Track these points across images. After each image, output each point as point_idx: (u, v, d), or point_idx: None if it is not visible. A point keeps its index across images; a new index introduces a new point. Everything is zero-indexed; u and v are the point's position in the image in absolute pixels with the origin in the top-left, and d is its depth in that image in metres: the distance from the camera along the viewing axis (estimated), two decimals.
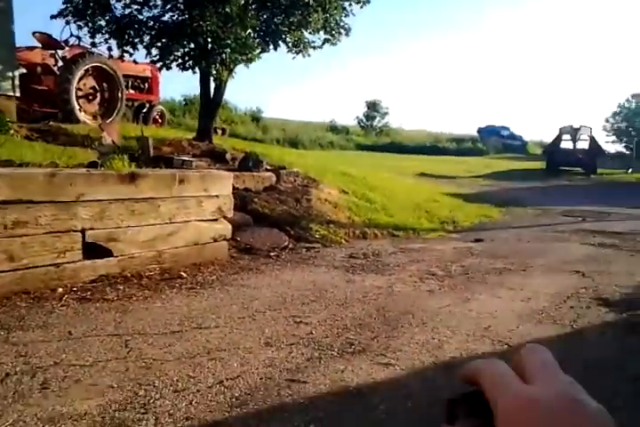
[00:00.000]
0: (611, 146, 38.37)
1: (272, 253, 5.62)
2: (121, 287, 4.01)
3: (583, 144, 23.21)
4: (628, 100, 39.79)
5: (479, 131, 38.26)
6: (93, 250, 4.10)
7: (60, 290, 3.79)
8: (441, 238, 7.58)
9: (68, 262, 3.95)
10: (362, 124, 39.62)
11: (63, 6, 9.25)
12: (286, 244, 6.08)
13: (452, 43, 77.93)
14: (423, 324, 3.57)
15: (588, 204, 12.54)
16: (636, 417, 2.41)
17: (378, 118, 39.65)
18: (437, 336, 3.32)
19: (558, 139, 23.43)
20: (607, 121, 40.90)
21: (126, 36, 9.35)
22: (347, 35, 10.30)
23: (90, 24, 9.39)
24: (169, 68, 9.42)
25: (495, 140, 36.21)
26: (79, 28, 9.86)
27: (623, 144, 38.84)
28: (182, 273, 4.49)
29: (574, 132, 23.20)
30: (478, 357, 3.01)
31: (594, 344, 3.35)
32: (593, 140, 23.39)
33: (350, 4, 10.05)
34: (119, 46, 9.67)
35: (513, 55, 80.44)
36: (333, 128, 36.36)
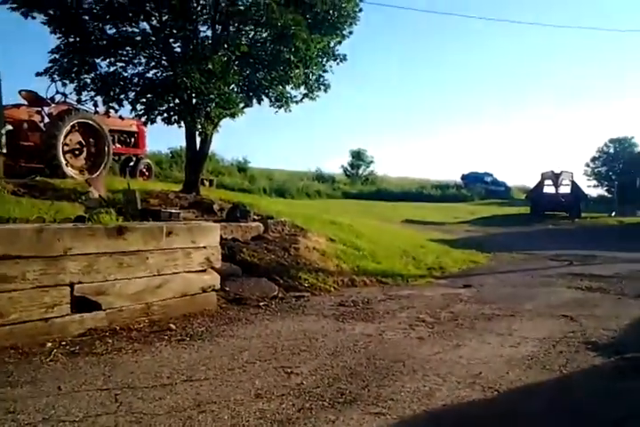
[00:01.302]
0: (592, 190, 39.22)
1: (261, 303, 5.62)
2: (110, 341, 3.98)
3: (565, 189, 23.69)
4: (606, 145, 41.00)
5: (463, 177, 38.96)
6: (82, 304, 4.09)
7: (49, 344, 3.76)
8: (429, 285, 7.62)
9: (56, 317, 3.93)
10: (347, 172, 40.23)
11: (49, 64, 9.49)
12: (275, 293, 6.08)
13: (434, 90, 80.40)
14: (414, 371, 3.56)
15: (574, 247, 12.70)
16: None
17: (363, 167, 40.33)
18: (428, 384, 3.32)
19: (541, 184, 23.92)
20: (587, 165, 41.97)
21: (112, 93, 9.59)
22: (325, 91, 10.66)
23: (75, 81, 9.63)
24: (153, 122, 9.63)
25: (479, 186, 36.83)
26: (64, 85, 10.11)
27: (605, 188, 39.70)
28: (171, 325, 4.47)
29: (556, 177, 23.71)
30: (469, 404, 3.01)
31: (582, 389, 3.36)
32: (575, 185, 23.91)
33: (328, 61, 10.44)
34: (105, 103, 9.90)
35: (494, 102, 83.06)
36: (320, 177, 36.85)
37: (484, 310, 5.71)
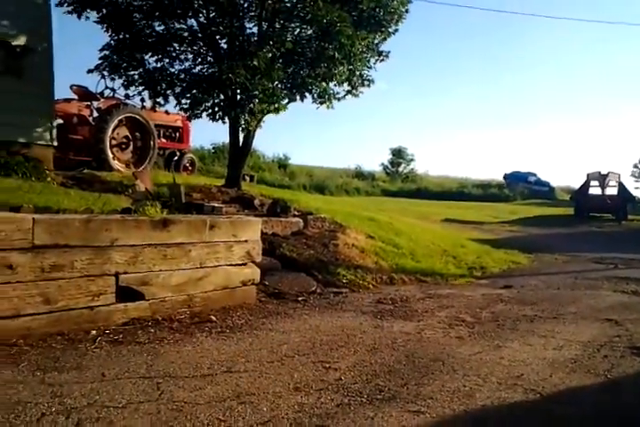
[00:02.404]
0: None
1: (300, 298, 5.65)
2: (152, 330, 4.06)
3: (612, 190, 23.02)
4: None
5: (505, 177, 38.25)
6: (126, 293, 4.19)
7: (94, 332, 3.86)
8: (469, 284, 7.52)
9: (101, 305, 4.03)
10: (387, 170, 40.03)
11: (99, 61, 9.77)
12: (314, 288, 6.10)
13: (477, 88, 79.36)
14: (453, 371, 3.52)
15: (619, 250, 12.33)
16: None
17: (403, 165, 40.06)
18: (468, 384, 3.28)
19: (586, 185, 23.29)
20: (636, 166, 40.64)
21: (158, 88, 9.79)
22: (369, 86, 10.63)
23: (124, 77, 9.87)
24: (199, 117, 9.78)
25: (522, 185, 36.07)
26: (113, 80, 10.38)
27: None
28: (212, 317, 4.54)
29: (602, 178, 23.07)
30: (510, 406, 2.96)
31: (628, 395, 3.26)
32: (622, 186, 23.20)
33: (372, 57, 10.41)
34: (151, 97, 10.11)
35: (539, 100, 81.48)
36: (359, 174, 36.80)
37: (525, 311, 5.60)
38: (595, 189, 23.26)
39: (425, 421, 2.70)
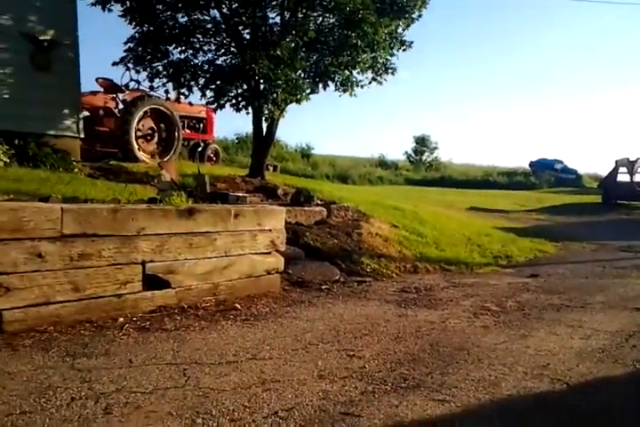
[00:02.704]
0: None
1: (324, 287, 5.66)
2: (178, 318, 4.12)
3: None
4: None
5: (531, 164, 37.64)
6: (153, 282, 4.25)
7: (121, 320, 3.93)
8: (494, 273, 7.46)
9: (128, 293, 4.10)
10: (411, 158, 39.75)
11: (124, 54, 9.85)
12: (337, 277, 6.11)
13: (501, 73, 78.19)
14: (479, 360, 3.50)
15: None
16: None
17: (427, 153, 39.73)
18: (493, 373, 3.26)
19: (614, 171, 22.78)
20: None
21: (182, 80, 9.84)
22: (392, 74, 10.55)
23: (148, 69, 9.94)
24: (222, 107, 9.81)
25: (548, 173, 35.50)
26: (137, 72, 10.45)
27: None
28: (237, 305, 4.58)
29: (631, 165, 22.54)
30: (536, 396, 2.93)
31: None
32: None
33: (394, 46, 10.31)
34: (175, 88, 10.17)
35: (564, 85, 79.93)
36: (382, 163, 36.61)
37: (552, 300, 5.53)
38: (623, 176, 22.76)
39: (450, 409, 2.70)
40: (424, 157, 39.66)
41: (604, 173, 26.21)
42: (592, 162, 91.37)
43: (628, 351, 3.81)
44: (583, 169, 39.20)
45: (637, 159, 22.67)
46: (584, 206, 21.12)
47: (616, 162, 22.94)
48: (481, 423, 2.54)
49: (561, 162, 37.74)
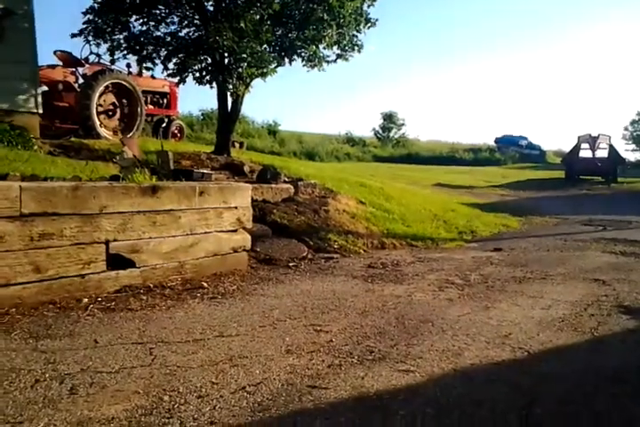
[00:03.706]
0: (630, 154, 38.03)
1: (291, 264, 5.68)
2: (144, 297, 4.08)
3: (602, 153, 23.04)
4: None
5: (496, 141, 38.19)
6: (117, 261, 4.19)
7: (85, 300, 3.87)
8: (459, 248, 7.59)
9: (92, 273, 4.03)
10: (378, 135, 39.78)
11: (84, 26, 9.52)
12: (305, 254, 6.13)
13: (469, 54, 78.42)
14: (442, 331, 3.58)
15: (609, 213, 12.44)
16: None
17: (394, 130, 39.81)
18: (457, 344, 3.33)
19: (577, 148, 23.28)
20: (626, 129, 40.54)
21: (144, 52, 9.58)
22: (359, 51, 10.47)
23: (109, 41, 9.64)
24: (185, 81, 9.61)
25: (513, 149, 36.06)
26: (98, 45, 10.13)
27: None
28: (204, 283, 4.56)
29: (593, 141, 23.05)
30: (498, 364, 3.02)
31: (614, 352, 3.33)
32: (612, 149, 23.20)
33: (359, 24, 10.21)
34: (137, 62, 9.91)
35: (529, 63, 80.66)
36: (350, 140, 36.56)
37: (514, 273, 5.67)
38: (585, 152, 23.27)
39: (414, 379, 2.76)
40: (391, 134, 39.74)
41: (567, 149, 26.74)
42: (556, 138, 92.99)
43: (587, 320, 3.93)
44: (547, 145, 40.03)
45: (599, 135, 23.20)
46: (547, 182, 21.60)
47: (578, 138, 23.43)
48: (444, 391, 2.60)
49: (525, 138, 38.38)
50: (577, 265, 6.20)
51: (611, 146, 23.32)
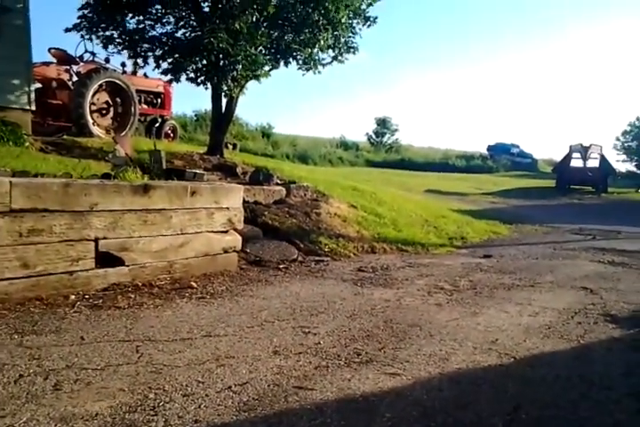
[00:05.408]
0: (621, 165, 38.28)
1: (281, 266, 5.67)
2: (132, 296, 4.06)
3: (593, 162, 23.24)
4: (638, 119, 39.74)
5: (489, 148, 38.40)
6: (106, 259, 4.17)
7: (73, 297, 3.85)
8: (449, 254, 7.61)
9: (81, 270, 4.01)
10: (372, 140, 39.86)
11: (78, 20, 9.49)
12: (295, 257, 6.12)
13: (462, 61, 78.89)
14: (430, 336, 3.58)
15: (598, 222, 12.54)
16: None
17: (388, 135, 39.92)
18: (444, 348, 3.34)
19: (568, 157, 23.46)
20: (618, 139, 40.82)
21: (138, 49, 9.56)
22: (354, 53, 10.48)
23: (103, 37, 9.61)
24: (178, 81, 9.60)
25: (505, 157, 36.26)
26: (91, 40, 10.09)
27: (634, 163, 38.74)
28: (193, 283, 4.55)
29: (584, 151, 23.24)
30: (484, 369, 3.02)
31: (599, 359, 3.34)
32: (603, 159, 23.41)
33: (358, 23, 10.22)
34: (130, 57, 9.88)
35: (523, 73, 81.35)
36: (343, 144, 36.59)
37: (503, 279, 5.69)
38: (577, 162, 23.45)
39: (401, 382, 2.76)
40: (385, 139, 39.84)
41: (558, 158, 26.96)
42: (547, 147, 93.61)
43: (574, 327, 3.96)
44: (539, 154, 40.32)
45: (591, 145, 23.39)
46: (538, 190, 21.73)
47: (570, 147, 23.61)
48: (430, 394, 2.60)
49: (517, 146, 38.63)
50: (565, 273, 6.23)
51: (602, 156, 23.54)
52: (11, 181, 3.68)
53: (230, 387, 2.56)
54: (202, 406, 2.33)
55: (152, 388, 2.49)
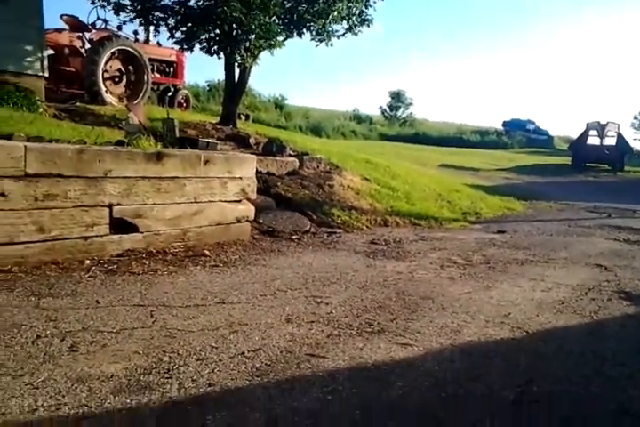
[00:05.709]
0: (638, 143, 37.72)
1: (294, 237, 5.67)
2: (146, 262, 4.09)
3: (610, 140, 22.85)
4: None
5: (504, 124, 37.82)
6: (120, 225, 4.19)
7: (88, 262, 3.89)
8: (463, 228, 7.57)
9: (95, 236, 4.04)
10: (386, 114, 39.41)
11: None
12: (308, 228, 6.12)
13: (480, 36, 77.38)
14: (443, 308, 3.58)
15: (614, 200, 12.38)
16: None
17: (402, 109, 39.43)
18: (456, 321, 3.33)
19: (585, 134, 23.07)
20: (635, 118, 40.13)
21: (150, 17, 9.41)
22: (368, 26, 10.27)
23: (114, 2, 9.46)
24: (191, 50, 9.47)
25: (520, 133, 35.75)
26: (103, 7, 9.92)
27: None
28: (206, 251, 4.56)
29: (601, 128, 22.83)
30: (496, 342, 3.02)
31: (612, 335, 3.33)
32: (620, 137, 22.99)
33: None
34: (141, 24, 9.74)
35: (541, 48, 79.71)
36: (357, 117, 36.20)
37: (517, 255, 5.66)
38: (593, 139, 23.07)
39: (412, 352, 2.76)
40: (399, 113, 39.38)
41: (574, 135, 26.53)
42: (563, 124, 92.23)
43: (587, 304, 3.93)
44: (555, 131, 39.65)
45: (608, 123, 22.96)
46: (553, 167, 21.46)
47: (587, 125, 23.19)
48: (441, 365, 2.61)
49: (533, 122, 38.01)
50: (580, 250, 6.18)
51: (619, 134, 23.12)
52: (25, 146, 3.68)
53: (243, 353, 2.57)
54: (215, 371, 2.35)
55: (166, 351, 2.51)
